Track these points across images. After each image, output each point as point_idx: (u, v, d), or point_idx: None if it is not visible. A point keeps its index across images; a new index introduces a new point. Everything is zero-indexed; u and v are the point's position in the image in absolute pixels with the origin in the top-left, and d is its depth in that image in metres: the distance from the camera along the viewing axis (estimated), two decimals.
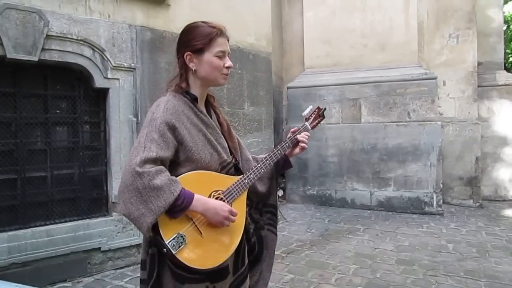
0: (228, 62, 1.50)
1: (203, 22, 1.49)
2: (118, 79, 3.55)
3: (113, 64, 3.50)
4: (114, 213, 3.55)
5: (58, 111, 3.38)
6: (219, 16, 4.22)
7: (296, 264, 3.73)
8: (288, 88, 6.90)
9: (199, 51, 1.46)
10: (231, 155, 1.57)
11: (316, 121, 1.81)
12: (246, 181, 1.51)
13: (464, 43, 6.54)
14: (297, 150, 1.70)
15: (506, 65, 10.84)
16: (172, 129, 1.38)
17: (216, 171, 1.48)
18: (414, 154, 5.86)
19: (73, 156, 3.45)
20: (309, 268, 3.63)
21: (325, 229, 4.99)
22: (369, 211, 5.96)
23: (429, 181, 5.77)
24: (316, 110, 1.81)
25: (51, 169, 3.31)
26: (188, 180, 1.39)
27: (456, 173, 6.51)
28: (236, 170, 1.58)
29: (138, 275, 3.47)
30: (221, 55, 1.47)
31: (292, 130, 1.72)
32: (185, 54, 1.47)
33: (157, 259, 1.43)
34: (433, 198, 5.75)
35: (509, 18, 12.78)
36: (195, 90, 1.51)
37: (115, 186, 3.54)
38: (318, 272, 3.53)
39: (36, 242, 3.11)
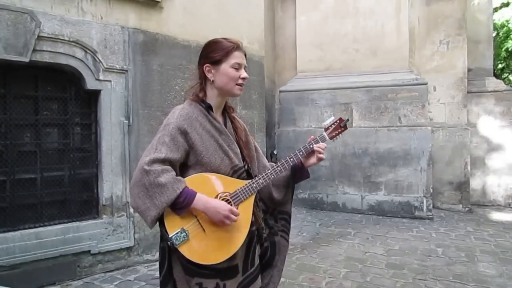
0: (244, 74, 1.60)
1: (223, 38, 1.61)
2: (110, 81, 3.54)
3: (105, 66, 3.48)
4: (104, 216, 3.52)
5: (48, 112, 3.35)
6: (212, 20, 4.23)
7: (287, 267, 3.72)
8: (280, 91, 6.92)
9: (217, 62, 1.57)
10: (244, 161, 1.64)
11: (336, 132, 1.77)
12: (254, 185, 1.58)
13: (454, 49, 6.63)
14: (314, 160, 1.73)
15: (496, 71, 11.00)
16: (184, 133, 1.50)
17: (227, 175, 1.56)
18: (404, 158, 5.91)
19: (64, 158, 3.42)
20: (300, 271, 3.64)
21: (316, 233, 5.00)
22: (360, 215, 5.99)
23: (419, 185, 5.82)
24: (338, 121, 1.77)
25: (41, 171, 3.28)
26: (195, 181, 1.49)
27: (446, 177, 6.58)
28: (248, 175, 1.65)
29: (128, 278, 3.48)
30: (237, 67, 1.58)
31: (309, 139, 1.73)
32: (204, 66, 1.60)
33: (167, 252, 1.54)
34: (423, 202, 5.80)
35: (498, 25, 12.98)
36: (211, 99, 1.63)
37: (105, 189, 3.52)
38: (309, 275, 3.54)
39: (25, 245, 3.07)
